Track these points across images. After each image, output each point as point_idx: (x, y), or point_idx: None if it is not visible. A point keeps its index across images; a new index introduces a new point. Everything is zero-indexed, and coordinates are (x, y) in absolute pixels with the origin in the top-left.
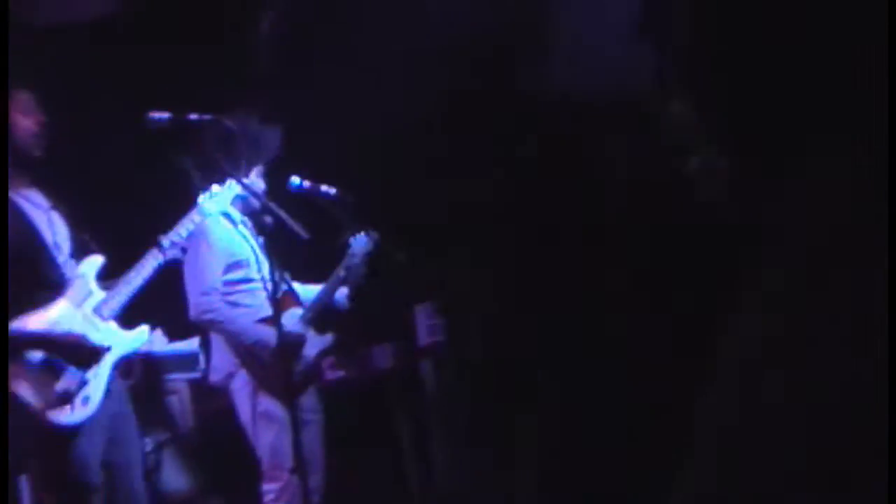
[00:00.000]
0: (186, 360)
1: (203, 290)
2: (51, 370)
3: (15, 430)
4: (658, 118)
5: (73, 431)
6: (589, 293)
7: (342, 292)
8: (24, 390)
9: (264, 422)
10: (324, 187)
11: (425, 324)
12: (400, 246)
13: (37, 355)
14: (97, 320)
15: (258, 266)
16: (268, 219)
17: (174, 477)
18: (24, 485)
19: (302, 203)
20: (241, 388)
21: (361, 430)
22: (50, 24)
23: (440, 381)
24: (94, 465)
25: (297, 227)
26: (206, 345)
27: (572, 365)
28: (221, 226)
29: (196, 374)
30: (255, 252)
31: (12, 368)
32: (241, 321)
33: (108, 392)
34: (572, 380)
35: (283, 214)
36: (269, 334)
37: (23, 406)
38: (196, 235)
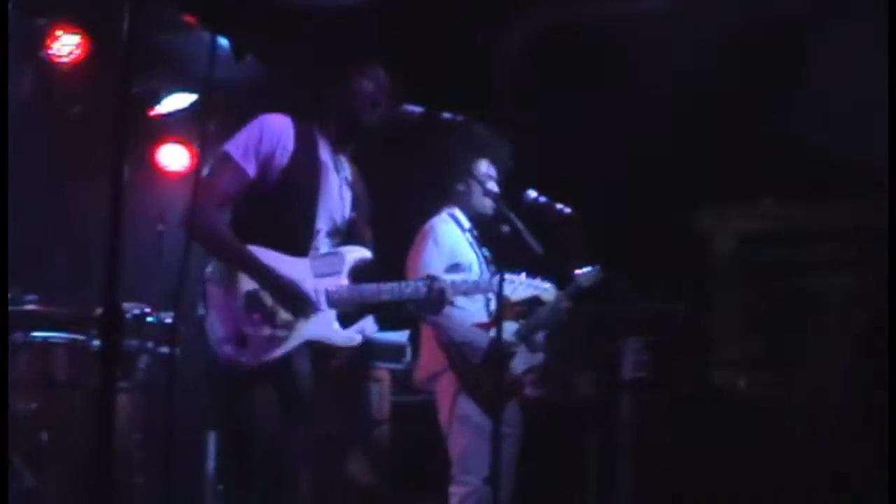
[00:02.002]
0: (394, 351)
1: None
2: (254, 306)
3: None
4: None
5: (258, 376)
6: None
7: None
8: (216, 314)
9: (460, 425)
10: (559, 205)
11: (632, 358)
12: (622, 276)
13: (249, 286)
14: (322, 301)
15: (480, 273)
16: (504, 227)
17: (362, 461)
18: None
19: (531, 218)
20: (445, 389)
21: (551, 452)
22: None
23: (638, 417)
24: (271, 417)
25: (532, 241)
26: (415, 339)
27: None
28: (450, 226)
29: (400, 366)
30: (478, 259)
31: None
32: (456, 320)
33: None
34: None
35: (520, 225)
36: (481, 338)
37: (206, 330)
38: (425, 232)
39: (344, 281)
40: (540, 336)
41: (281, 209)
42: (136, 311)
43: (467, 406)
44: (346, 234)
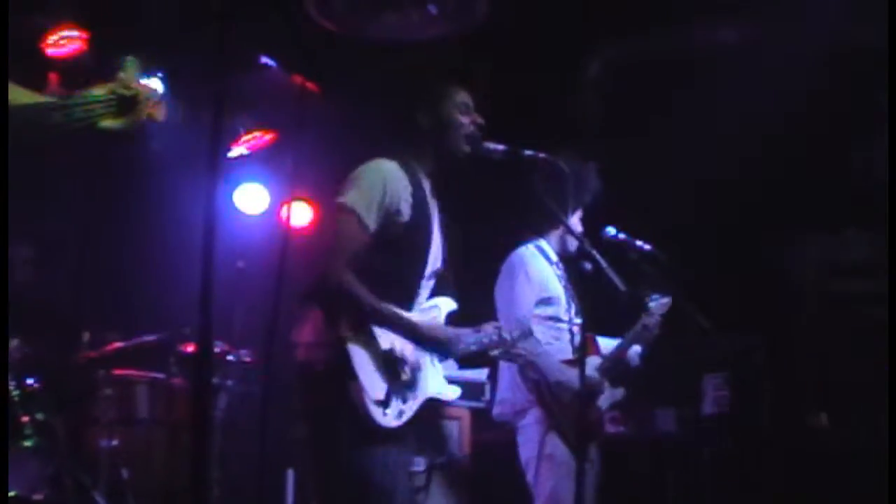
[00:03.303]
0: (473, 389)
1: (517, 319)
2: (391, 366)
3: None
4: None
5: (386, 435)
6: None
7: (636, 350)
8: (363, 376)
9: (548, 464)
10: (638, 241)
11: (713, 394)
12: (702, 312)
13: (385, 345)
14: (434, 357)
15: (567, 307)
16: (587, 264)
17: (440, 500)
18: (290, 479)
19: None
20: (530, 425)
21: (631, 488)
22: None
23: (720, 452)
24: (401, 476)
25: (615, 278)
26: (493, 376)
27: None
28: (539, 259)
29: (480, 404)
30: (566, 293)
31: (361, 352)
32: (548, 358)
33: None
34: None
35: (603, 262)
36: (572, 376)
37: (354, 393)
38: (515, 265)
39: None
40: (634, 356)
41: (397, 262)
42: (216, 350)
43: (555, 445)
44: (436, 280)
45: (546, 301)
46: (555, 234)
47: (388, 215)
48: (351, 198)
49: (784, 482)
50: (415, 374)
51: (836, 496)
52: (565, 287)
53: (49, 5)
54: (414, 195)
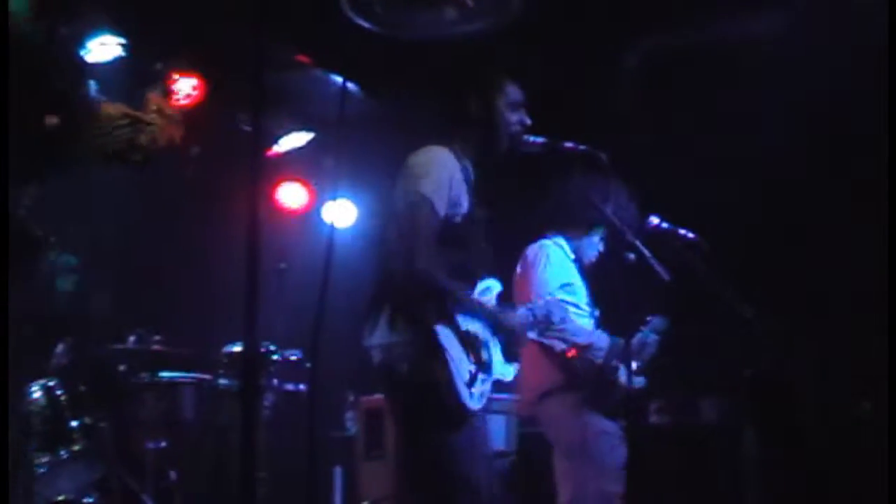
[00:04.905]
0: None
1: (542, 294)
2: (471, 347)
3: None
4: None
5: (470, 416)
6: None
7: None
8: (453, 357)
9: (605, 439)
10: (682, 230)
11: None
12: (747, 301)
13: (465, 327)
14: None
15: (586, 297)
16: (630, 255)
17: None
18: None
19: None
20: (561, 415)
21: (676, 477)
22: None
23: (763, 443)
24: (485, 460)
25: (659, 268)
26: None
27: None
28: (558, 251)
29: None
30: (585, 285)
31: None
32: (575, 323)
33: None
34: None
35: (646, 252)
36: (603, 338)
37: (446, 373)
38: (536, 252)
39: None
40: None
41: (462, 253)
42: (261, 349)
43: (600, 420)
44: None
45: (568, 286)
46: (574, 235)
47: (452, 205)
48: (424, 186)
49: (826, 470)
50: (490, 355)
51: (878, 484)
52: (584, 280)
53: (87, 12)
54: (468, 186)
